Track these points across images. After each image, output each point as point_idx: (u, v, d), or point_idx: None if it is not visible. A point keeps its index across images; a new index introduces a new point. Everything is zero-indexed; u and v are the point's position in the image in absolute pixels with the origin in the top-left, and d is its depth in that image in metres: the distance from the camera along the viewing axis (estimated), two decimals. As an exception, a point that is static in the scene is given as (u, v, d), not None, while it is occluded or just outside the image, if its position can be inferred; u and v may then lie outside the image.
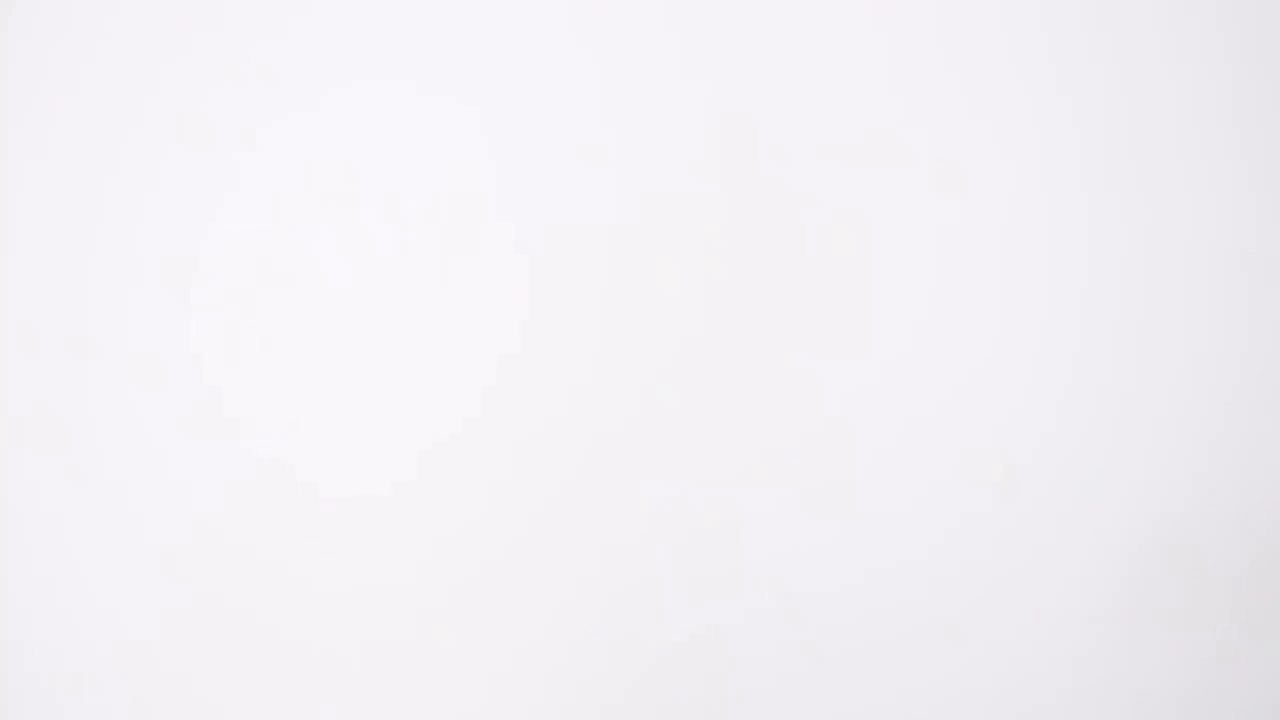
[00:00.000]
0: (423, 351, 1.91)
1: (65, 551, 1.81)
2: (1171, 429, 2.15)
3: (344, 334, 1.89)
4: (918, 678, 2.07)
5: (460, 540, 1.91)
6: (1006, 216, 2.10)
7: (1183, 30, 2.14)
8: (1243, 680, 2.16)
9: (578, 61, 1.95)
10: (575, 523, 1.95)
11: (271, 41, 1.85)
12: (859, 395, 2.05)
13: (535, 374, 1.94)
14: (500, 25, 1.92)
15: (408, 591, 1.89)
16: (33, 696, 1.79)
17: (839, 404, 2.04)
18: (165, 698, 1.82)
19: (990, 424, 2.09)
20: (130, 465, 1.82)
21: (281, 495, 1.86)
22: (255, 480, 1.85)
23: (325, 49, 1.86)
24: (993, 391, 2.09)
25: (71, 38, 1.79)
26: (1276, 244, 2.17)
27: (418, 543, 1.90)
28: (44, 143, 1.79)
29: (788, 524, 2.03)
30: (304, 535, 1.87)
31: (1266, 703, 2.18)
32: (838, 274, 2.04)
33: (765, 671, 2.02)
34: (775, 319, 2.02)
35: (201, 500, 1.84)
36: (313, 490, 1.87)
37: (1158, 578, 2.15)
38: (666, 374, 1.98)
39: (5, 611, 1.78)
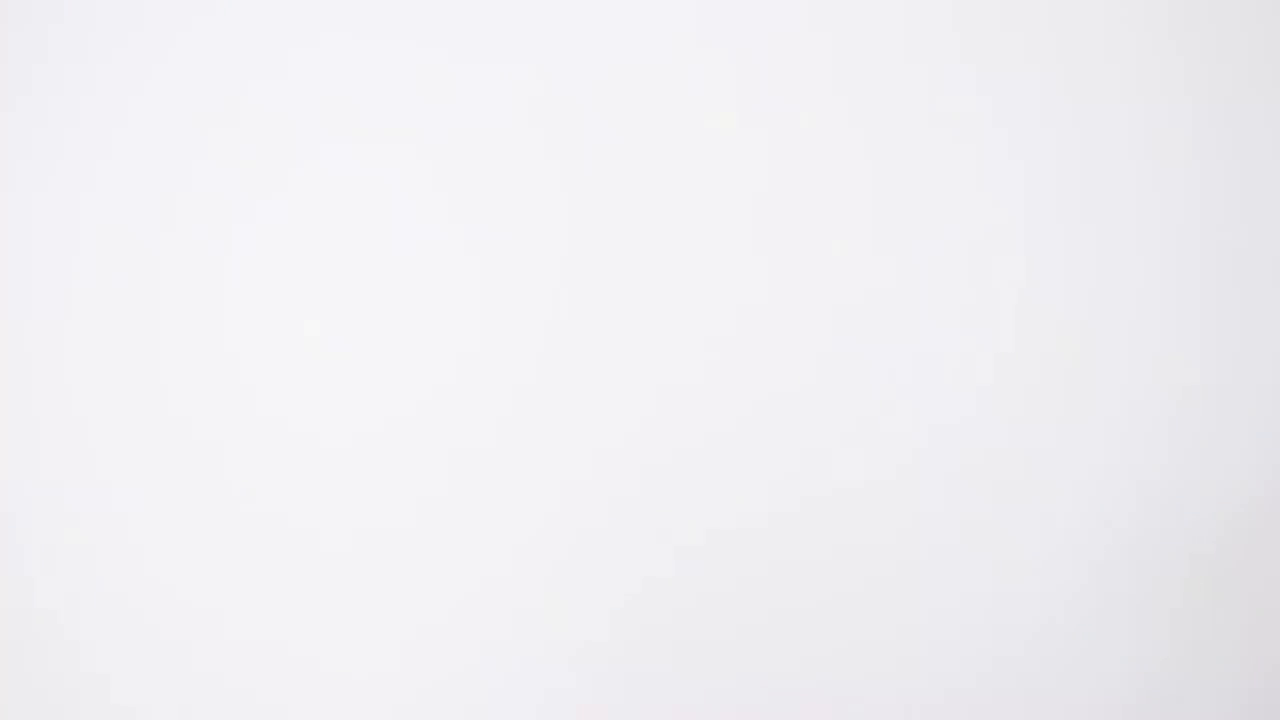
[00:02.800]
0: (426, 351, 1.92)
1: (66, 538, 1.81)
2: (1131, 426, 2.17)
3: (347, 334, 1.90)
4: (882, 681, 2.10)
5: (462, 541, 1.93)
6: (981, 210, 2.11)
7: (1182, 34, 2.16)
8: (1199, 669, 2.19)
9: (528, 86, 1.97)
10: (536, 466, 1.97)
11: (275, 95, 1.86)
12: (822, 382, 2.07)
13: (534, 373, 1.96)
14: (454, 69, 1.93)
15: (408, 591, 1.91)
16: (32, 694, 1.79)
17: (802, 386, 2.05)
18: (164, 696, 1.83)
19: (955, 417, 2.11)
20: (166, 457, 1.83)
21: (282, 497, 1.87)
22: (258, 483, 1.86)
23: (310, 103, 1.88)
24: (958, 383, 2.11)
25: (100, 41, 1.80)
26: (1239, 248, 2.19)
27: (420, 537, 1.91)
28: (61, 147, 1.80)
29: (780, 526, 2.05)
30: (304, 535, 1.88)
31: (1222, 690, 2.20)
32: (819, 252, 2.06)
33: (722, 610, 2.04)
34: (737, 300, 2.04)
35: (202, 504, 1.85)
36: (313, 494, 1.89)
37: (1119, 571, 2.17)
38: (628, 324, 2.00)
39: (6, 599, 1.78)
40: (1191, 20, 2.17)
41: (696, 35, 2.00)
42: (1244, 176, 2.19)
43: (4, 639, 1.78)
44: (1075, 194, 2.14)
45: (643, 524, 1.99)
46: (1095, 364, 2.15)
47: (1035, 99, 2.11)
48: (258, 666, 1.86)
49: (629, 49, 1.97)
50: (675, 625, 2.01)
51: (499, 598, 1.94)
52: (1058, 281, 2.13)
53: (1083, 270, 2.14)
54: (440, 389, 1.92)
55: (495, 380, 1.94)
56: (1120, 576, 2.17)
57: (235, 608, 1.85)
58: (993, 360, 2.11)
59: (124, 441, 1.81)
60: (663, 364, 2.00)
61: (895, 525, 2.09)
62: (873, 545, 2.08)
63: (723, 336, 2.02)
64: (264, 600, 1.86)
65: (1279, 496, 2.22)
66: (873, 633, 2.08)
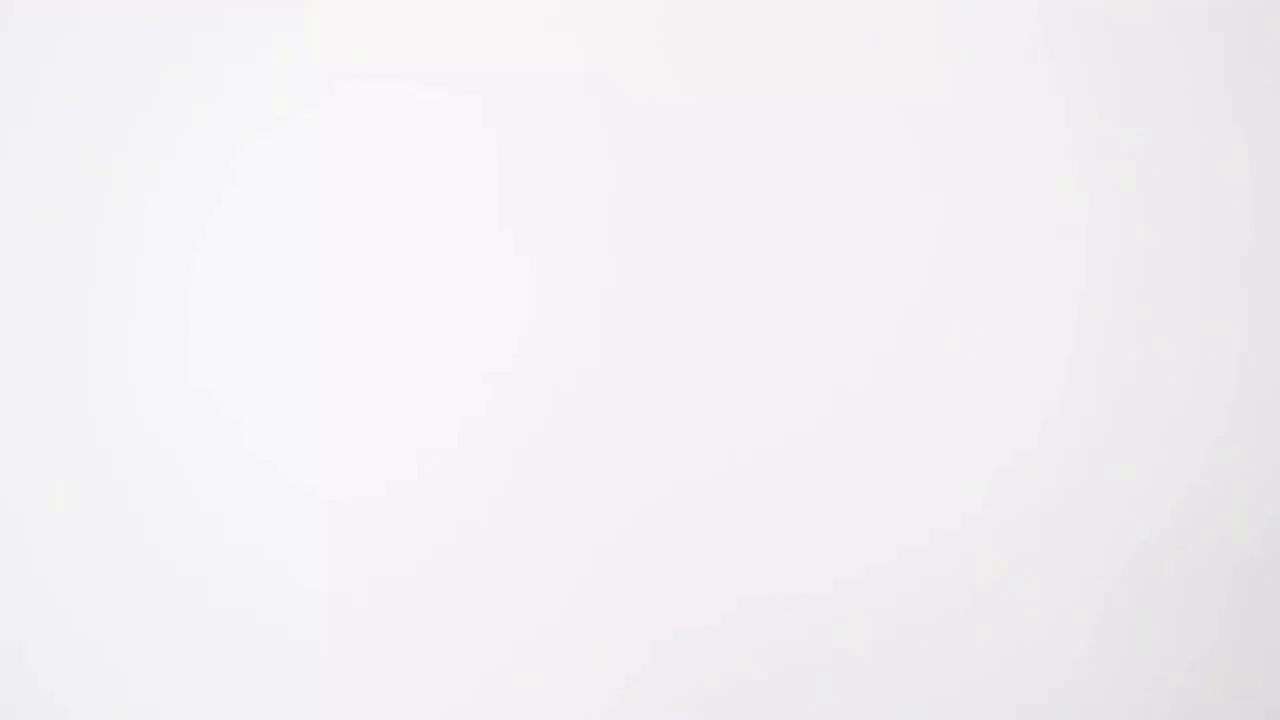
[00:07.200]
0: (423, 354, 1.91)
1: (68, 553, 1.81)
2: (1164, 433, 2.16)
3: (346, 336, 1.89)
4: (909, 675, 2.08)
5: (459, 540, 1.92)
6: (1001, 219, 2.10)
7: (1179, 30, 2.14)
8: (1233, 680, 2.17)
9: (578, 67, 1.96)
10: (572, 523, 1.96)
11: (270, 44, 1.85)
12: (851, 397, 2.05)
13: (532, 377, 1.95)
14: (500, 30, 1.93)
15: (409, 591, 1.90)
16: (33, 696, 1.80)
17: (831, 406, 2.05)
18: (166, 697, 1.83)
19: (982, 426, 2.10)
20: (133, 468, 1.82)
21: (283, 496, 1.87)
22: (257, 482, 1.86)
23: (325, 50, 1.87)
24: (985, 394, 2.10)
25: (74, 40, 1.80)
26: (1270, 250, 2.17)
27: (419, 542, 1.91)
28: (44, 145, 1.80)
29: (780, 523, 2.04)
30: (305, 536, 1.88)
31: (1256, 703, 2.18)
32: (831, 276, 2.05)
33: (756, 667, 2.02)
34: (768, 321, 2.03)
35: (203, 502, 1.85)
36: (314, 493, 1.88)
37: (1150, 578, 2.16)
38: (662, 376, 1.99)
39: (5, 612, 1.78)
40: (1239, 11, 2.16)
41: (729, 29, 1.99)
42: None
43: (3, 639, 1.78)
44: (1129, 197, 2.13)
45: (636, 618, 1.97)
46: (1133, 372, 2.14)
47: (1036, 97, 2.10)
48: (260, 665, 1.85)
49: (625, 52, 1.97)
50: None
51: (498, 597, 1.94)
52: (1107, 284, 2.12)
53: (1128, 270, 2.13)
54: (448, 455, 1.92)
55: (498, 456, 1.93)
56: (1155, 588, 2.16)
57: (235, 617, 1.85)
58: (1022, 364, 2.11)
59: (122, 453, 1.81)
60: (662, 444, 1.99)
61: (923, 532, 2.08)
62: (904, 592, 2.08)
63: (738, 405, 2.01)
64: (266, 602, 1.86)
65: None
66: (879, 631, 2.07)
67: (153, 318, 1.82)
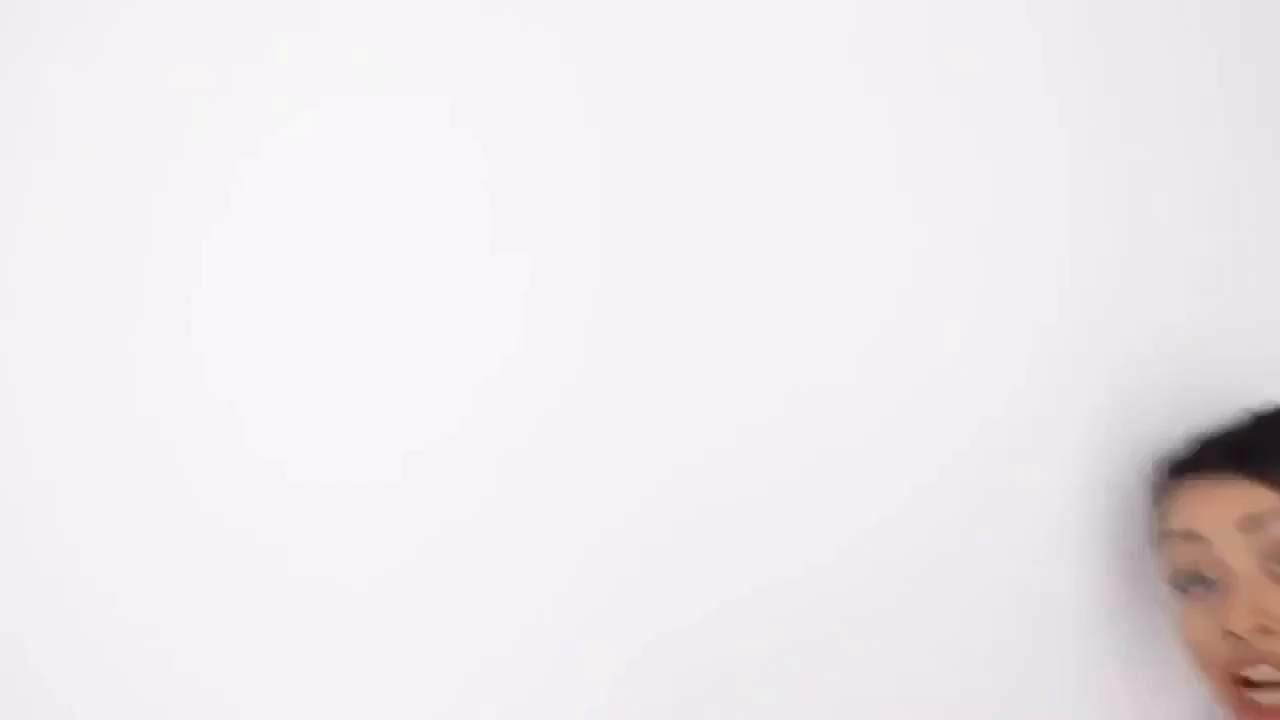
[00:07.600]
0: (418, 352, 1.92)
1: (69, 551, 1.80)
2: (1135, 427, 2.19)
3: (343, 334, 1.89)
4: (884, 660, 2.10)
5: (454, 538, 1.92)
6: (976, 215, 2.12)
7: (1167, 28, 2.18)
8: (1157, 679, 2.21)
9: (565, 68, 1.97)
10: (562, 520, 1.97)
11: (271, 48, 1.85)
12: (829, 394, 2.07)
13: (524, 376, 1.95)
14: (492, 32, 1.93)
15: (406, 588, 1.90)
16: (34, 696, 1.78)
17: (816, 404, 2.06)
18: (168, 694, 1.82)
19: (961, 426, 2.12)
20: (135, 467, 1.81)
21: (281, 492, 1.86)
22: (255, 478, 1.85)
23: (323, 56, 1.87)
24: (966, 393, 2.12)
25: (77, 39, 1.78)
26: (1254, 253, 2.21)
27: (415, 539, 1.91)
28: (47, 144, 1.78)
29: (769, 519, 2.06)
30: (304, 532, 1.87)
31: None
32: (816, 274, 2.06)
33: (744, 662, 2.04)
34: (753, 320, 2.04)
35: (201, 499, 1.84)
36: (315, 492, 1.88)
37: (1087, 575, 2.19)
38: (650, 375, 2.00)
39: (7, 611, 1.77)
40: (1230, 13, 2.19)
41: (677, 36, 2.00)
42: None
43: (4, 640, 1.76)
44: (1114, 199, 2.15)
45: (626, 617, 1.98)
46: (1110, 368, 2.16)
47: (1017, 96, 2.12)
48: (259, 662, 1.85)
49: (613, 52, 1.98)
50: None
51: (491, 594, 1.94)
52: (1086, 283, 2.14)
53: (1105, 269, 2.15)
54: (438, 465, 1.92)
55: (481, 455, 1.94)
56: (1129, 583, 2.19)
57: (234, 614, 1.84)
58: (995, 363, 2.13)
59: (122, 448, 1.80)
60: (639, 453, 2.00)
61: (898, 523, 2.10)
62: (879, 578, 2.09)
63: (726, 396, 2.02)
64: (266, 598, 1.85)
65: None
66: (852, 619, 2.09)
67: (155, 317, 1.81)
